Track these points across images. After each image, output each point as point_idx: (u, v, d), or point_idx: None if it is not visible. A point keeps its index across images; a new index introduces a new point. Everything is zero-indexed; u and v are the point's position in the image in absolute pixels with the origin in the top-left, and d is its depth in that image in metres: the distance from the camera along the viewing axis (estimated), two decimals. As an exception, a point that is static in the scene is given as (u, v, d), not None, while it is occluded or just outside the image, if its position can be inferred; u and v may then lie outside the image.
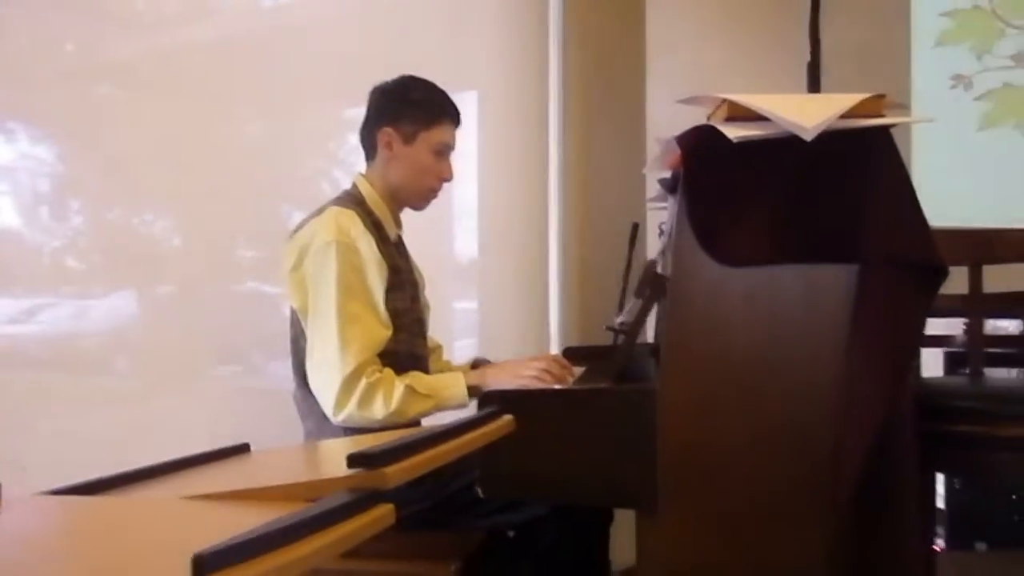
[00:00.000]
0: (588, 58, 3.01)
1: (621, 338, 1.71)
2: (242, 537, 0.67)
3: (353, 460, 0.88)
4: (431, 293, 2.13)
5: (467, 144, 2.09)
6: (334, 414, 1.76)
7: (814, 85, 2.27)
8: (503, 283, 2.82)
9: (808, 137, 1.34)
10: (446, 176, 2.00)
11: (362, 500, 0.81)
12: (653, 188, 2.26)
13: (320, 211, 1.89)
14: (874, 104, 1.42)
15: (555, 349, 2.76)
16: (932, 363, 2.57)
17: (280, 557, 0.69)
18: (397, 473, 0.88)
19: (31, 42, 2.08)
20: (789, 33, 2.47)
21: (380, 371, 1.79)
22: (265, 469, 1.12)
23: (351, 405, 1.75)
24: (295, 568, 0.70)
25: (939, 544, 2.93)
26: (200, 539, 0.65)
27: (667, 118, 1.66)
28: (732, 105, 1.43)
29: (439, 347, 2.18)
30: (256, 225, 2.46)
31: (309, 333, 1.84)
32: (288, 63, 2.44)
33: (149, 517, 0.85)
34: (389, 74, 2.04)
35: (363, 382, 1.76)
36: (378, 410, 1.76)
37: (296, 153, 2.58)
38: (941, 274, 1.39)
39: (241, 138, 2.44)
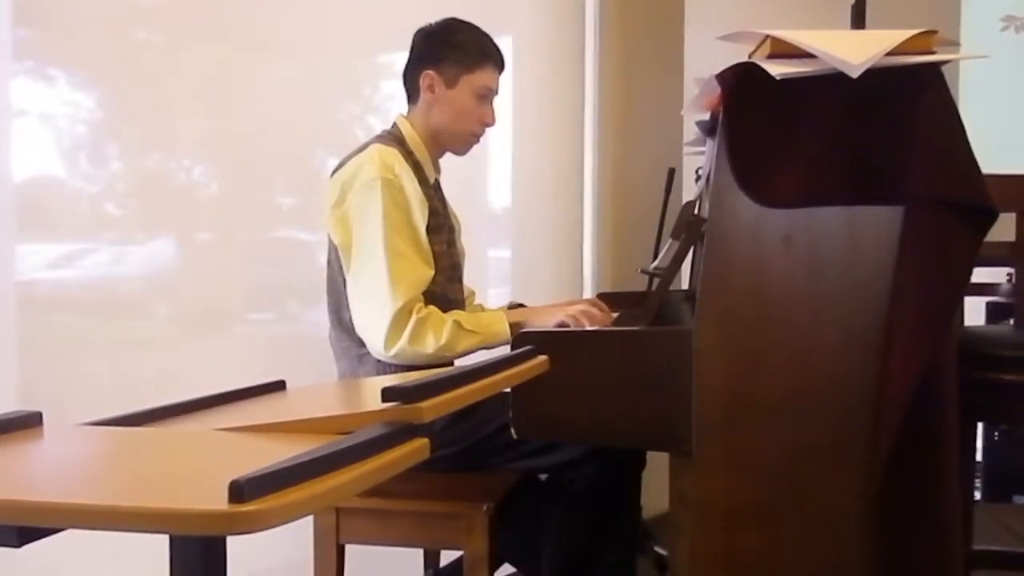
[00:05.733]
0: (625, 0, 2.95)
1: (656, 282, 1.69)
2: (279, 465, 0.68)
3: (388, 394, 0.88)
4: (465, 240, 2.12)
5: (501, 90, 2.06)
6: (385, 349, 1.77)
7: (859, 27, 2.20)
8: (537, 230, 2.81)
9: (854, 74, 1.30)
10: (488, 121, 1.98)
11: (397, 433, 0.81)
12: (690, 133, 2.22)
13: (362, 148, 1.89)
14: (924, 40, 1.37)
15: (588, 295, 2.75)
16: (973, 312, 2.52)
17: (316, 486, 0.69)
18: (432, 407, 0.88)
19: (70, -12, 2.07)
20: (834, -28, 2.39)
21: (427, 307, 1.80)
22: (300, 404, 1.13)
23: (403, 340, 1.75)
24: (331, 497, 0.70)
25: (976, 496, 2.90)
26: (236, 468, 0.66)
27: (706, 61, 1.61)
28: (775, 41, 1.38)
29: (472, 293, 2.17)
30: (291, 171, 2.46)
31: (352, 270, 1.84)
32: (323, 8, 2.42)
33: (185, 447, 0.86)
34: (424, 20, 2.01)
35: (414, 317, 1.76)
36: (429, 344, 1.76)
37: (331, 99, 2.57)
38: (990, 216, 1.35)
39: (277, 84, 2.43)
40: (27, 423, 0.88)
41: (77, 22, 2.06)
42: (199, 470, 0.77)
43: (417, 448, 0.82)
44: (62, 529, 0.69)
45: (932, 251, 1.35)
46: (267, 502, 0.64)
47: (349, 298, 1.84)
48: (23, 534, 0.68)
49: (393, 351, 1.77)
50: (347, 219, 1.83)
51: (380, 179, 1.79)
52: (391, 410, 0.87)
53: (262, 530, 0.65)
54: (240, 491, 0.63)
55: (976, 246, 1.36)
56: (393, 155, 1.84)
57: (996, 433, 2.93)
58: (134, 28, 2.19)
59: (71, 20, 2.05)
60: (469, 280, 2.14)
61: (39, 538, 0.70)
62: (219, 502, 0.63)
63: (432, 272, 1.84)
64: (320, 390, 1.35)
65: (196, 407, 1.04)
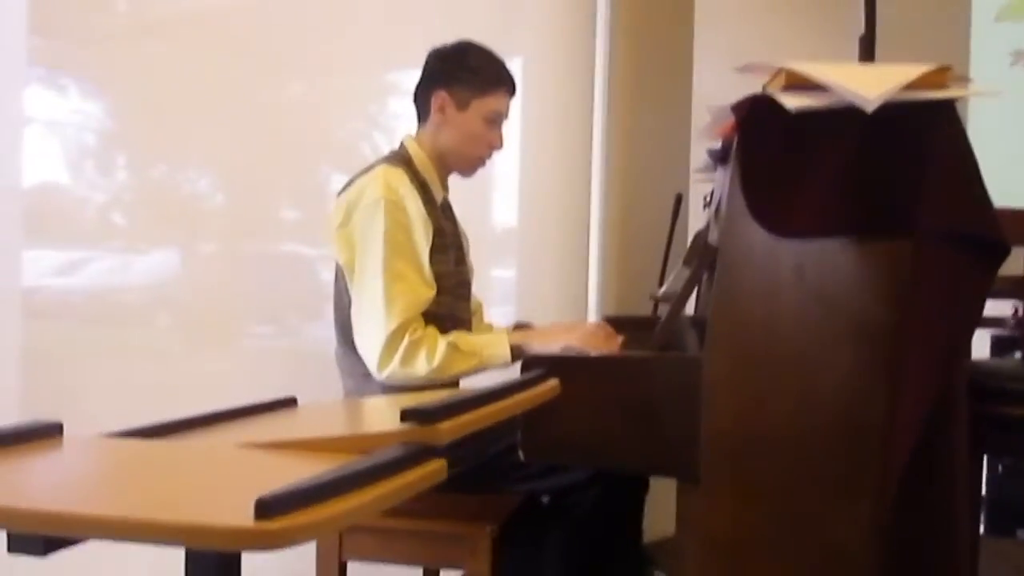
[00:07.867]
0: (635, 26, 2.97)
1: (663, 307, 1.69)
2: (304, 483, 0.68)
3: (407, 415, 0.88)
4: (471, 257, 2.12)
5: (511, 109, 2.07)
6: (378, 371, 1.78)
7: (868, 61, 2.22)
8: (542, 252, 2.81)
9: (870, 109, 1.31)
10: (496, 145, 1.99)
11: (417, 454, 0.82)
12: (698, 159, 2.24)
13: (369, 169, 1.90)
14: (938, 76, 1.38)
15: (593, 319, 2.75)
16: (979, 346, 2.53)
17: (340, 504, 0.69)
18: (450, 429, 0.89)
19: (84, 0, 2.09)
20: (843, 4, 2.41)
21: (423, 329, 1.80)
22: (314, 422, 1.13)
23: (394, 362, 1.76)
24: (354, 515, 0.71)
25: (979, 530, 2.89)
26: (260, 484, 0.66)
27: (714, 89, 1.63)
28: (790, 74, 1.39)
29: (480, 306, 2.17)
30: (296, 186, 2.47)
31: (354, 290, 1.85)
32: (332, 25, 2.43)
33: (207, 462, 0.86)
34: (432, 39, 2.02)
35: (406, 340, 1.76)
36: (420, 367, 1.76)
37: (337, 115, 2.58)
38: (1002, 251, 1.35)
39: (284, 99, 2.44)
40: (47, 433, 0.88)
41: (91, 34, 2.08)
42: (222, 485, 0.77)
43: (435, 469, 0.83)
44: (87, 539, 0.68)
45: (944, 285, 1.35)
46: (293, 519, 0.64)
47: (352, 319, 1.85)
48: (49, 543, 0.68)
49: (385, 373, 1.77)
50: (352, 240, 1.84)
51: (383, 200, 1.80)
52: (410, 431, 0.87)
53: (287, 547, 0.65)
54: (267, 508, 0.63)
55: (989, 281, 1.36)
56: (398, 176, 1.85)
57: (1000, 466, 2.93)
58: (145, 40, 2.21)
59: (85, 32, 2.07)
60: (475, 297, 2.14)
61: (64, 547, 0.70)
62: (245, 518, 0.63)
63: (433, 293, 1.84)
64: (332, 407, 1.35)
65: (211, 421, 1.04)
